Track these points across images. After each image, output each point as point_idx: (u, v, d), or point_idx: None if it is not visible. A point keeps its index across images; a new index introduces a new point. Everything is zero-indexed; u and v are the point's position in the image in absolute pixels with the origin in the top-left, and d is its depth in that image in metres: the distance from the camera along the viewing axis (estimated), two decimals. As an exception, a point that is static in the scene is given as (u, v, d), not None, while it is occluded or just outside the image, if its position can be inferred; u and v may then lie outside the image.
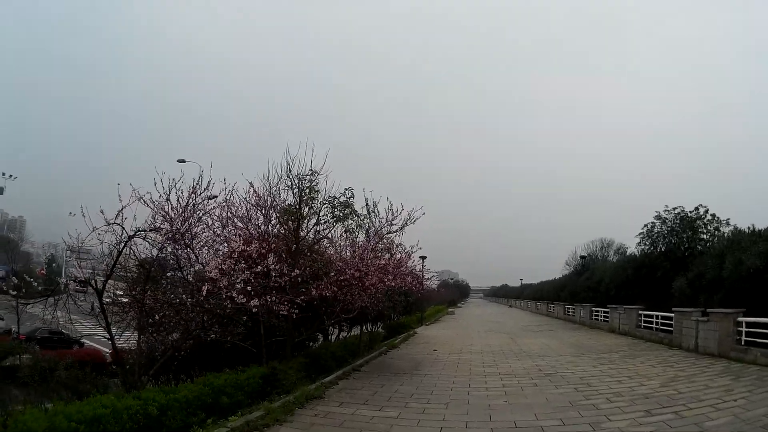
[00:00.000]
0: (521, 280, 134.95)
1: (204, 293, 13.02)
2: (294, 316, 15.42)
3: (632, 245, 47.82)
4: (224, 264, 14.19)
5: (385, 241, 19.68)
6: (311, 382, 14.87)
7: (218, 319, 15.48)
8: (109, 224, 12.28)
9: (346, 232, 18.72)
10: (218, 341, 16.58)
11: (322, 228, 18.12)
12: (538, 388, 14.55)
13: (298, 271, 15.27)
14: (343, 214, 17.86)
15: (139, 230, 13.29)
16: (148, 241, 14.17)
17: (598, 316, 40.63)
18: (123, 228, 12.79)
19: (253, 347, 16.27)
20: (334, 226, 18.11)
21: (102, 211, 12.10)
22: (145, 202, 13.47)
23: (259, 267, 14.16)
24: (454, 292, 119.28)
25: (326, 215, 17.90)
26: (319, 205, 17.56)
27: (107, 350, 16.54)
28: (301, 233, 17.16)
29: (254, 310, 14.07)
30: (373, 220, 19.02)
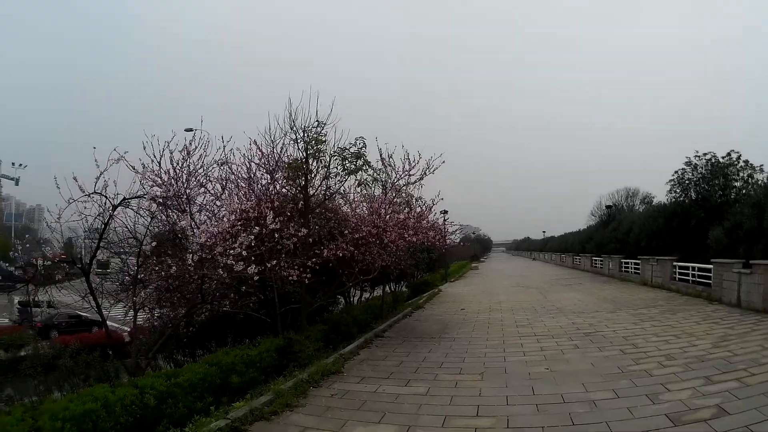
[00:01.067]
0: (544, 232, 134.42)
1: (191, 261, 11.68)
2: (306, 281, 14.07)
3: (659, 194, 46.13)
4: (216, 227, 12.87)
5: (404, 194, 18.50)
6: (331, 351, 14.13)
7: (219, 289, 14.17)
8: (86, 194, 11.05)
9: (359, 185, 17.47)
10: (230, 313, 15.64)
11: (332, 182, 16.75)
12: (580, 351, 13.37)
13: (305, 231, 14.14)
14: (355, 165, 16.46)
15: (125, 199, 11.98)
16: (132, 209, 12.90)
17: (628, 268, 38.70)
18: (106, 197, 11.52)
19: (266, 317, 15.16)
20: (346, 179, 16.79)
21: (75, 178, 10.83)
22: (133, 168, 12.36)
23: (257, 228, 12.77)
24: (477, 247, 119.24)
25: (336, 168, 16.61)
26: (328, 158, 16.18)
27: (127, 329, 15.85)
28: (310, 190, 15.89)
29: (255, 278, 12.75)
30: (389, 172, 17.65)
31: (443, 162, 17.10)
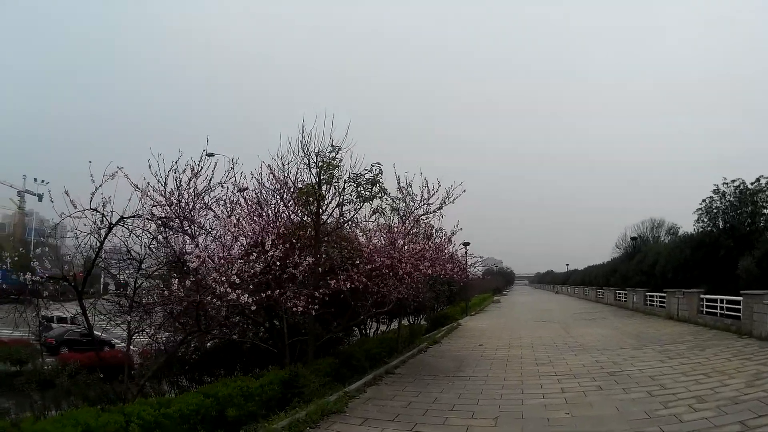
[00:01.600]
0: (567, 265, 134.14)
1: (176, 286, 10.99)
2: (313, 312, 13.41)
3: (684, 225, 45.16)
4: (221, 252, 12.46)
5: (423, 224, 17.78)
6: (340, 387, 13.26)
7: (220, 317, 13.38)
8: (79, 210, 10.50)
9: (374, 213, 16.54)
10: (238, 341, 15.40)
11: (345, 209, 15.99)
12: (604, 393, 12.38)
13: (311, 260, 13.49)
14: (371, 192, 15.65)
15: (122, 217, 11.41)
16: (128, 228, 12.19)
17: (653, 301, 37.32)
18: (103, 215, 11.04)
19: (273, 347, 14.64)
20: (361, 207, 15.86)
21: (66, 192, 10.28)
22: (136, 186, 11.85)
23: (255, 254, 12.21)
24: (499, 280, 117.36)
25: (350, 195, 15.67)
26: (342, 184, 15.39)
27: (136, 349, 15.39)
28: (322, 217, 15.25)
29: (253, 307, 12.02)
30: (407, 201, 17.05)
31: (464, 191, 16.62)
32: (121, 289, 14.48)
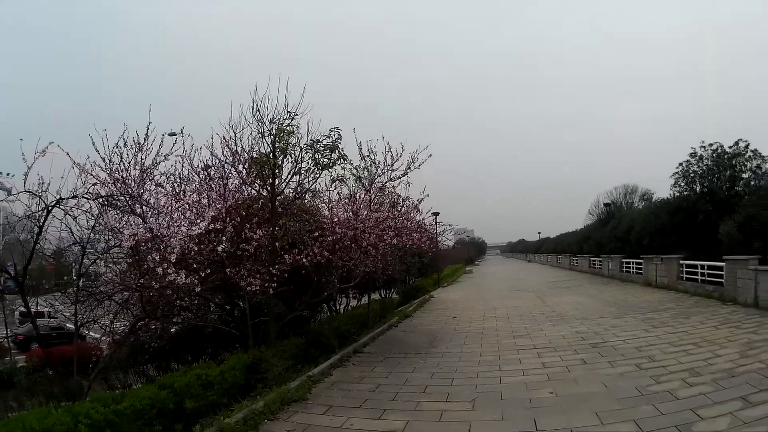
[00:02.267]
0: (539, 233, 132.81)
1: (104, 270, 10.06)
2: (271, 291, 12.43)
3: (658, 191, 44.71)
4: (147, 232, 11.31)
5: (388, 193, 16.88)
6: (308, 368, 12.50)
7: (169, 301, 12.32)
8: (11, 194, 9.58)
9: (334, 181, 15.40)
10: (200, 326, 14.62)
11: (303, 178, 14.78)
12: (588, 367, 11.51)
13: (260, 233, 12.58)
14: (329, 159, 14.53)
15: (60, 199, 10.50)
16: (63, 210, 11.06)
17: (629, 268, 36.89)
18: (38, 196, 10.27)
19: (236, 330, 13.91)
20: (319, 175, 14.64)
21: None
22: (77, 165, 10.85)
23: (196, 229, 11.13)
24: (471, 250, 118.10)
25: (308, 163, 14.52)
26: (298, 152, 14.26)
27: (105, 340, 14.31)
28: (279, 187, 14.16)
29: (198, 289, 11.18)
30: (370, 168, 15.89)
31: (430, 155, 15.48)
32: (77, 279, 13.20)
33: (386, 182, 15.81)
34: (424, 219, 18.59)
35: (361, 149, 15.43)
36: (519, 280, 49.17)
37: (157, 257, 10.34)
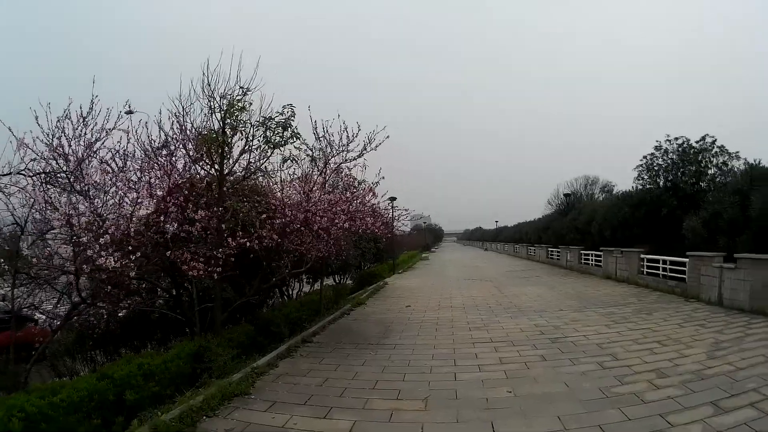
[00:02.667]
0: (496, 222, 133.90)
1: (25, 249, 9.36)
2: (215, 276, 11.64)
3: (619, 183, 44.58)
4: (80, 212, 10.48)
5: (344, 175, 16.25)
6: (255, 358, 11.91)
7: (102, 286, 11.15)
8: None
9: (285, 161, 14.55)
10: (147, 311, 13.98)
11: (253, 157, 13.83)
12: (548, 364, 10.94)
13: (202, 213, 11.72)
14: (281, 137, 13.71)
15: None
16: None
17: (588, 260, 36.39)
18: None
19: (182, 316, 13.23)
20: (270, 154, 13.75)
21: None
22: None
23: (142, 210, 10.80)
24: (428, 236, 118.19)
25: (259, 141, 13.65)
26: (250, 129, 13.39)
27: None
28: (226, 166, 13.34)
29: (132, 273, 10.48)
30: (325, 148, 15.10)
31: (387, 137, 14.78)
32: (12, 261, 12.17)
33: (341, 163, 15.12)
34: (379, 203, 18.01)
35: (315, 128, 14.69)
36: (476, 268, 48.83)
37: (85, 239, 9.77)
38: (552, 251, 48.97)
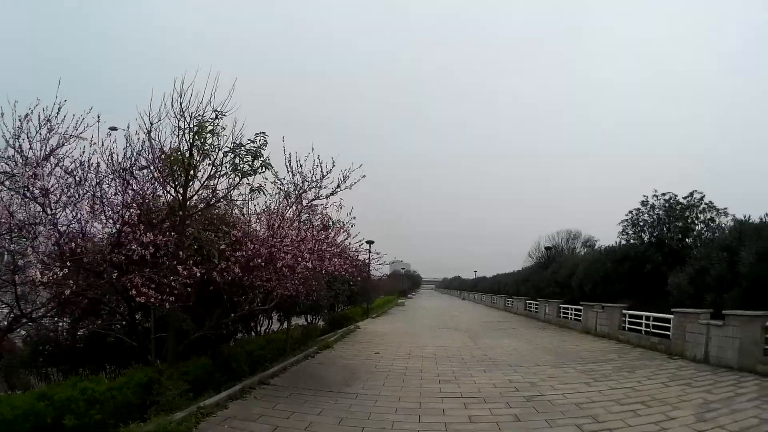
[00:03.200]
0: (475, 272, 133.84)
1: None
2: (167, 305, 10.90)
3: (602, 239, 44.23)
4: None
5: (320, 213, 15.86)
6: (208, 395, 11.19)
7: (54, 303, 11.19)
8: None
9: (251, 191, 13.70)
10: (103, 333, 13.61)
11: (218, 184, 13.13)
12: (522, 425, 9.94)
13: (151, 236, 10.94)
14: (250, 166, 12.87)
15: None
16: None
17: (567, 314, 35.58)
18: None
19: (137, 342, 12.71)
20: (238, 182, 13.00)
21: None
22: None
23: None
24: (405, 282, 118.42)
25: (226, 167, 12.88)
26: (218, 154, 12.66)
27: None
28: (190, 191, 12.62)
29: (66, 292, 9.82)
30: (297, 182, 14.35)
31: (363, 176, 14.30)
32: None
33: (313, 199, 14.49)
34: (350, 244, 17.40)
35: (289, 161, 14.07)
36: (452, 317, 47.89)
37: (14, 247, 10.02)
38: (530, 303, 48.20)
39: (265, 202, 14.32)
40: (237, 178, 12.91)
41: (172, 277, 11.00)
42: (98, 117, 10.88)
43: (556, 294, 39.84)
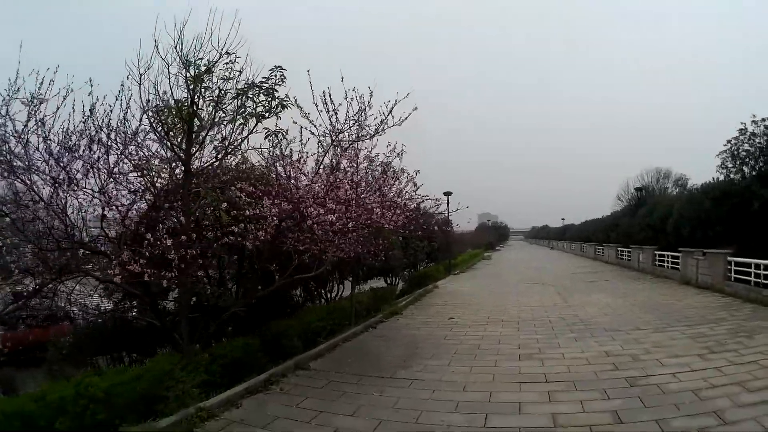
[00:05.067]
0: (563, 219, 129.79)
1: None
2: (165, 282, 9.43)
3: (694, 177, 40.63)
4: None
5: (379, 163, 13.02)
6: (251, 376, 10.18)
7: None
8: None
9: (268, 136, 11.25)
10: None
11: (227, 133, 10.69)
12: (626, 430, 7.40)
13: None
14: (265, 107, 10.58)
15: None
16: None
17: (663, 262, 32.29)
18: None
19: (161, 324, 11.00)
20: (254, 128, 10.64)
21: None
22: None
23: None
24: (492, 235, 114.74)
25: (234, 112, 10.54)
26: (228, 99, 10.33)
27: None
28: (195, 148, 10.46)
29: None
30: (324, 120, 11.38)
31: (415, 108, 11.45)
32: None
33: (355, 141, 11.68)
34: (404, 188, 14.27)
35: (324, 98, 11.20)
36: (539, 269, 45.15)
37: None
38: (622, 251, 45.17)
39: (301, 149, 11.50)
40: (252, 123, 10.68)
41: (172, 249, 9.16)
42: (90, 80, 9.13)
43: (649, 239, 36.81)
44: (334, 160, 11.83)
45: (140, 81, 9.51)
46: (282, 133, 11.29)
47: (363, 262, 17.57)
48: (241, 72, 10.18)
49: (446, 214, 29.62)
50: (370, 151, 12.39)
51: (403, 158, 12.46)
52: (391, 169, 13.33)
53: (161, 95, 9.86)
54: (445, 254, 40.54)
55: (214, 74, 9.99)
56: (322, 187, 11.20)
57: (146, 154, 10.32)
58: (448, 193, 29.33)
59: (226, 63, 10.00)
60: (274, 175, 11.87)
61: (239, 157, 12.15)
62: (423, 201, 17.16)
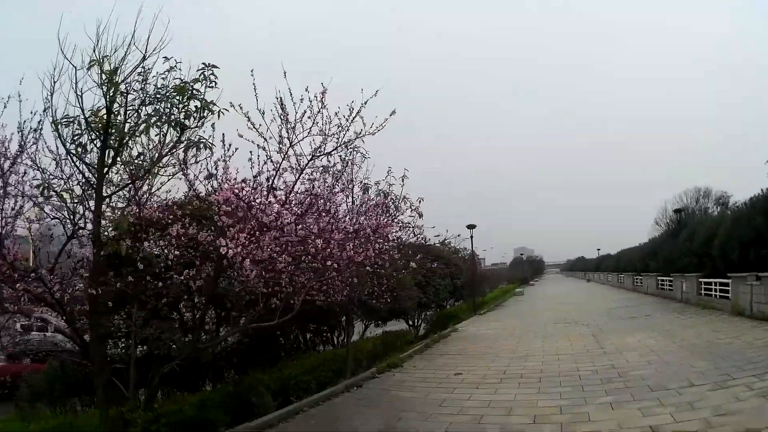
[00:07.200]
0: (598, 250, 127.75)
1: None
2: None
3: (736, 194, 37.91)
4: None
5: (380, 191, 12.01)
6: None
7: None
8: None
9: (187, 149, 9.12)
10: None
11: (145, 148, 9.20)
12: None
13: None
14: (183, 111, 8.64)
15: None
16: None
17: (710, 290, 29.27)
18: None
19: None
20: (171, 142, 9.06)
21: None
22: None
23: None
24: (526, 269, 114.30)
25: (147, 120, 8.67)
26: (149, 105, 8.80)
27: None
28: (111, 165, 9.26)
29: None
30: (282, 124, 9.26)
31: (393, 112, 9.59)
32: None
33: (314, 157, 9.86)
34: (401, 218, 12.87)
35: (281, 101, 9.28)
36: (573, 305, 42.04)
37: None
38: (662, 281, 42.24)
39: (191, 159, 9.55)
40: (173, 135, 8.95)
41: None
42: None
43: (693, 266, 33.53)
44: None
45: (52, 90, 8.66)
46: (206, 144, 9.16)
47: (368, 305, 16.05)
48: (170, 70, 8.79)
49: (471, 248, 27.27)
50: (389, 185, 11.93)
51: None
52: (390, 197, 12.10)
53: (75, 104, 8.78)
54: (471, 291, 38.04)
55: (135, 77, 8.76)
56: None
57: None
58: (471, 226, 27.15)
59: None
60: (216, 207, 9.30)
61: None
62: (421, 232, 15.69)
